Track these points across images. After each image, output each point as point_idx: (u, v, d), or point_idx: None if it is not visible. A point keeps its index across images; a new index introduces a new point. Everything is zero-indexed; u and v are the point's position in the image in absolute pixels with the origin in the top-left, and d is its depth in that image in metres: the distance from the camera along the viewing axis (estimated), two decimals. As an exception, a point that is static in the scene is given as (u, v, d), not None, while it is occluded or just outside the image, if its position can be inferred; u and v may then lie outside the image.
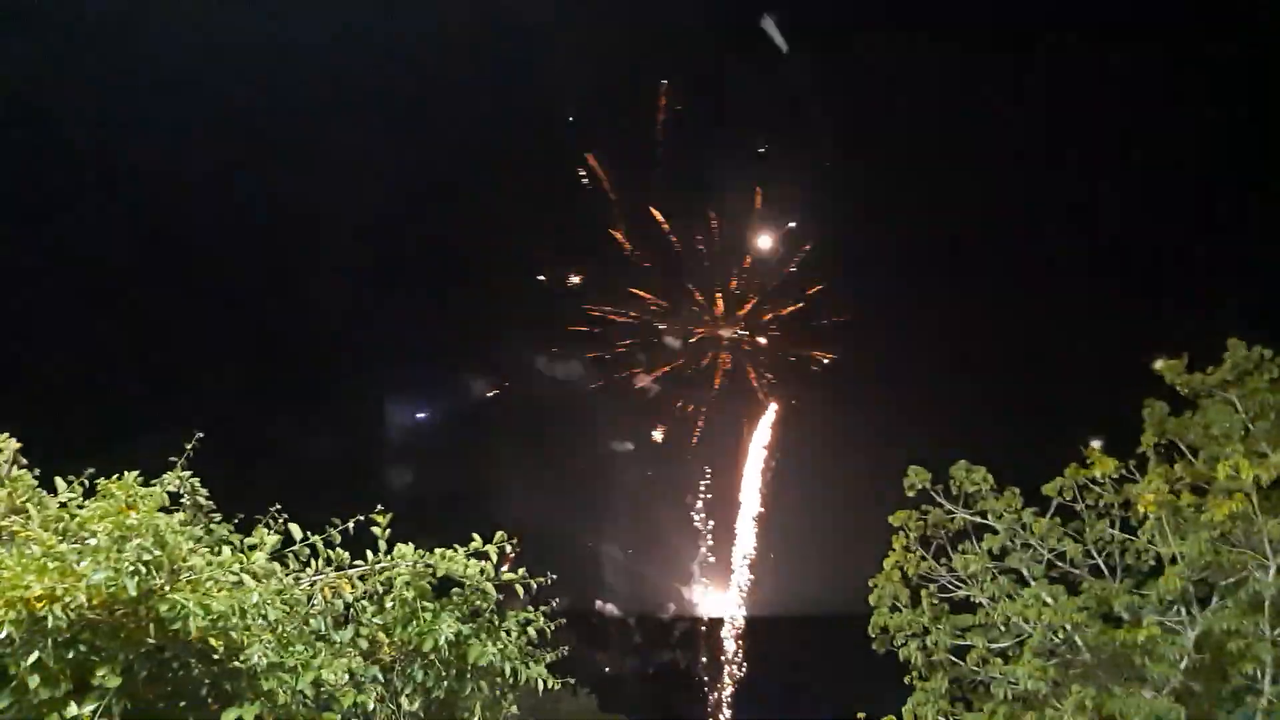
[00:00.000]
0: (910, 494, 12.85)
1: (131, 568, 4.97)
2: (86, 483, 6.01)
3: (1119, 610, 11.33)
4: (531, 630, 7.80)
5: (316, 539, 6.64)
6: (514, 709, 8.36)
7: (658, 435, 57.24)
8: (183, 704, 5.25)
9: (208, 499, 6.82)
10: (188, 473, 6.55)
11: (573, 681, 8.22)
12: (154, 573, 5.05)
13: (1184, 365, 12.22)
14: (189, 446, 6.42)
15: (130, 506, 5.56)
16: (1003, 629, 11.90)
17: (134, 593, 4.94)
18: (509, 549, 7.76)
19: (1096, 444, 12.34)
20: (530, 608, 7.90)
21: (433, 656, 7.10)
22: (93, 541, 5.17)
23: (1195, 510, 10.98)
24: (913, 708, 11.84)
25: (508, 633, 7.64)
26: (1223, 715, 10.42)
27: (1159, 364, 12.51)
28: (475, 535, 7.71)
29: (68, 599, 4.62)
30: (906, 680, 12.17)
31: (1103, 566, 12.11)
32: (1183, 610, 10.93)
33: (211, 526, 6.43)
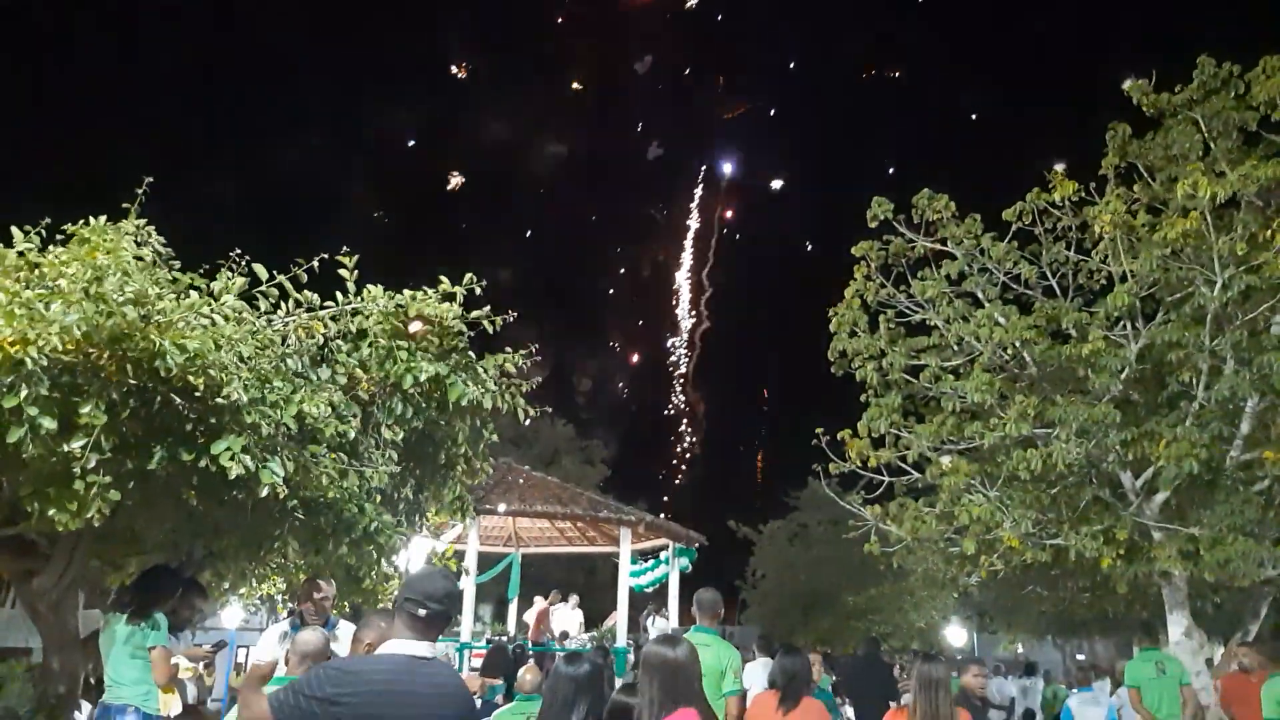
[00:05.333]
0: (873, 225, 12.87)
1: (122, 299, 4.95)
2: (44, 232, 5.85)
3: (1067, 327, 11.70)
4: (509, 365, 8.02)
5: (283, 278, 6.61)
6: (494, 437, 8.76)
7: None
8: (170, 439, 5.41)
9: (165, 245, 6.66)
10: (143, 219, 6.36)
11: (550, 410, 8.58)
12: (136, 309, 5.04)
13: (1151, 85, 11.99)
14: (140, 192, 6.20)
15: (106, 251, 5.46)
16: (955, 348, 12.31)
17: (134, 317, 4.94)
18: (477, 290, 7.81)
19: (1060, 167, 12.32)
20: (508, 349, 8.08)
21: (412, 391, 7.28)
22: (61, 283, 5.11)
23: (1150, 230, 11.17)
24: (867, 421, 12.41)
25: (484, 370, 7.83)
26: (1157, 419, 11.03)
27: (1126, 84, 12.25)
28: (443, 277, 7.74)
29: (40, 343, 4.62)
30: (862, 399, 12.70)
31: (1055, 287, 12.42)
32: (1128, 325, 11.34)
33: (175, 275, 6.33)
